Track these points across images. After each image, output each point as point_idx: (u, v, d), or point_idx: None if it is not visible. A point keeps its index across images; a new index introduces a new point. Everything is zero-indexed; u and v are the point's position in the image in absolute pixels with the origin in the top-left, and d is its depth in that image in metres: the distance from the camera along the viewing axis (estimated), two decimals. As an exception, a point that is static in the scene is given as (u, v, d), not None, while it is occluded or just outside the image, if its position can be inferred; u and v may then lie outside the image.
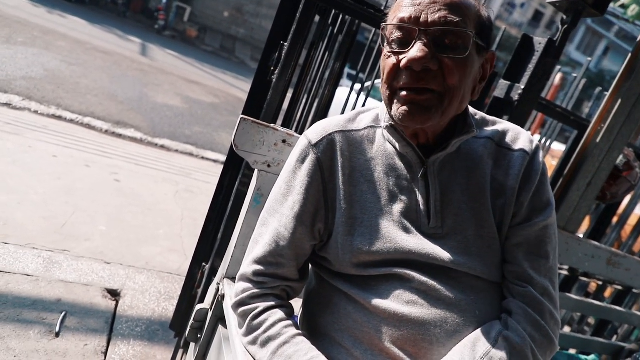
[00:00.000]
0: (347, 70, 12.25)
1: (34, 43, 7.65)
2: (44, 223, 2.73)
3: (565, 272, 2.61)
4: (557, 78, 6.92)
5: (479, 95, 0.95)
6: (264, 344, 0.94)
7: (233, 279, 1.25)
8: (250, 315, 0.98)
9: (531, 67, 1.54)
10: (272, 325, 0.95)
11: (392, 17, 0.89)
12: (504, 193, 0.97)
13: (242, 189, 1.53)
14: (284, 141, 1.25)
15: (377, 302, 0.91)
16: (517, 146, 1.00)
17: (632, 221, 3.10)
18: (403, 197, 0.96)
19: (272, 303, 0.99)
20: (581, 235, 2.51)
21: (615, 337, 2.94)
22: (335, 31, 1.65)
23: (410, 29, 0.85)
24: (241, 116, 1.23)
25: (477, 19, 0.89)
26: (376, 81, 1.89)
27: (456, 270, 0.92)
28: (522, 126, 1.61)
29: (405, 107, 0.87)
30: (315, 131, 1.01)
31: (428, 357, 0.88)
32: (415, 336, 0.88)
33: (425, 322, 0.88)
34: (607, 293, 3.13)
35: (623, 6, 4.54)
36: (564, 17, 1.48)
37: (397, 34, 0.87)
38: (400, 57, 0.86)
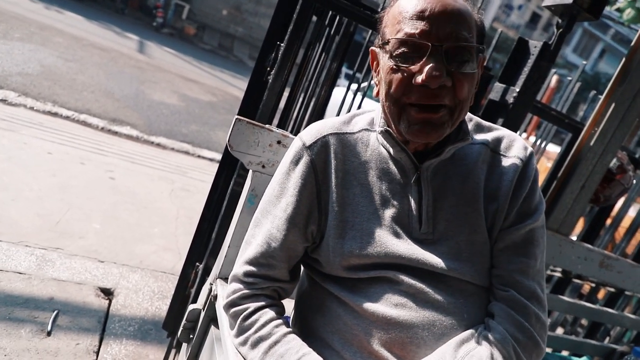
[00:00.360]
0: (345, 70, 12.25)
1: (31, 39, 7.61)
2: (38, 220, 2.72)
3: (558, 274, 2.62)
4: (553, 80, 6.95)
5: (473, 101, 0.95)
6: (255, 344, 0.94)
7: (226, 279, 1.25)
8: (242, 316, 0.98)
9: (526, 70, 1.55)
10: (263, 325, 0.95)
11: (395, 30, 0.86)
12: (496, 199, 0.97)
13: (236, 189, 1.53)
14: (278, 142, 1.25)
15: (366, 305, 0.91)
16: (511, 153, 1.00)
17: (625, 223, 3.11)
18: (395, 202, 0.96)
19: (263, 303, 0.99)
20: (575, 237, 2.52)
21: (607, 339, 2.96)
22: (332, 32, 1.65)
23: (422, 44, 0.83)
24: (236, 117, 1.23)
25: (476, 28, 0.89)
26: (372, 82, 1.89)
27: (446, 275, 0.92)
28: (517, 129, 1.61)
29: (418, 126, 0.87)
30: (310, 133, 1.01)
31: (416, 360, 0.88)
32: (403, 339, 0.88)
33: (413, 324, 0.88)
34: (601, 295, 3.14)
35: (619, 10, 4.56)
36: (559, 20, 1.48)
37: (404, 48, 0.85)
38: (411, 71, 0.84)
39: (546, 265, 1.76)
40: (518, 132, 2.10)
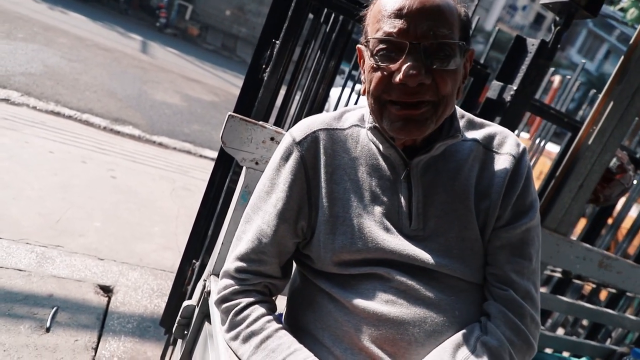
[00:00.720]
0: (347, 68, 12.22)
1: (35, 39, 7.65)
2: (39, 218, 2.73)
3: (558, 275, 2.61)
4: (556, 81, 6.92)
5: (462, 95, 0.95)
6: (247, 339, 0.94)
7: (219, 275, 1.25)
8: (233, 311, 0.98)
9: (524, 68, 1.54)
10: (255, 320, 0.95)
11: (375, 28, 0.87)
12: (488, 196, 0.96)
13: (232, 187, 1.53)
14: (272, 139, 1.25)
15: (357, 301, 0.91)
16: (503, 150, 1.00)
17: (626, 224, 3.09)
18: (385, 198, 0.95)
19: (254, 299, 0.99)
20: (575, 238, 2.51)
21: (609, 341, 2.94)
22: (328, 30, 1.65)
23: (400, 43, 0.83)
24: (229, 113, 1.23)
25: (459, 23, 0.88)
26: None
27: (437, 271, 0.92)
28: (515, 127, 1.61)
29: (400, 123, 0.86)
30: (300, 128, 1.00)
31: (406, 357, 0.88)
32: (393, 335, 0.88)
33: (403, 321, 0.88)
34: (603, 296, 3.13)
35: (622, 10, 4.54)
36: (557, 18, 1.48)
37: (383, 46, 0.85)
38: (390, 70, 0.84)
39: (544, 264, 1.75)
40: (516, 131, 2.09)
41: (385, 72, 0.85)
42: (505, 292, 0.93)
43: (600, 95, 1.64)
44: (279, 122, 1.80)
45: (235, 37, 20.26)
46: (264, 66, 1.53)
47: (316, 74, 1.77)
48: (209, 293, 1.24)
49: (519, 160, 0.99)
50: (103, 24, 12.64)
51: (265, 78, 1.50)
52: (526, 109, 1.59)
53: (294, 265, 1.11)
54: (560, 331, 3.11)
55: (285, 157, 0.99)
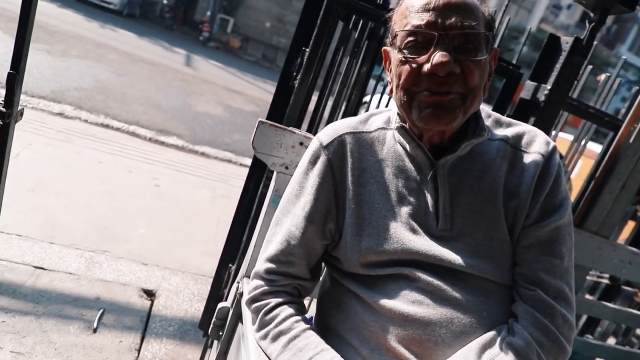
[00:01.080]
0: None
1: (87, 56, 8.08)
2: (88, 225, 2.88)
3: (606, 281, 2.50)
4: (601, 79, 6.64)
5: (488, 94, 0.94)
6: (275, 338, 0.97)
7: (250, 277, 1.29)
8: (263, 311, 1.01)
9: (558, 67, 1.50)
10: (283, 320, 0.98)
11: (403, 24, 0.89)
12: (517, 195, 0.95)
13: (265, 191, 1.57)
14: (301, 143, 1.28)
15: (384, 301, 0.92)
16: (532, 149, 0.98)
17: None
18: (412, 199, 0.96)
19: (284, 299, 1.01)
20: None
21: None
22: (357, 35, 1.67)
23: (429, 34, 0.85)
24: (259, 119, 1.27)
25: (484, 19, 0.89)
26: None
27: (464, 272, 0.91)
28: (550, 127, 1.57)
29: (429, 110, 0.87)
30: (327, 133, 1.03)
31: (433, 357, 0.88)
32: (420, 336, 0.88)
33: (430, 322, 0.88)
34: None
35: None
36: (591, 14, 1.44)
37: (411, 39, 0.87)
38: (419, 62, 0.86)
39: (585, 269, 1.69)
40: (554, 132, 2.03)
41: (414, 64, 0.87)
42: (534, 292, 0.91)
43: (643, 92, 1.58)
44: (312, 128, 1.83)
45: (275, 47, 20.63)
46: (294, 73, 1.56)
47: (347, 79, 1.79)
48: (241, 294, 1.27)
49: (549, 158, 0.97)
50: (149, 40, 13.18)
51: (296, 85, 1.54)
52: (561, 108, 1.55)
53: (324, 267, 1.13)
54: (611, 340, 2.96)
55: (313, 161, 1.01)
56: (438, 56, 0.83)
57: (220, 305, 1.39)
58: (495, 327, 0.90)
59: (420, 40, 0.86)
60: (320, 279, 1.16)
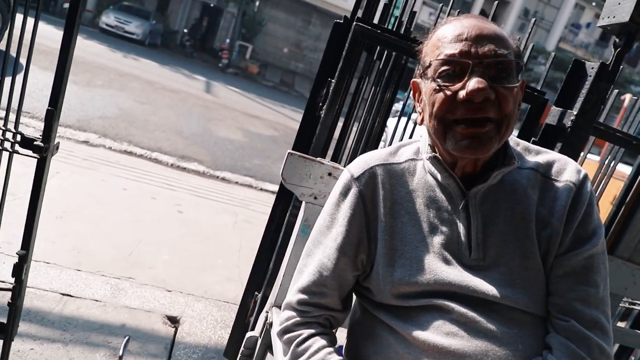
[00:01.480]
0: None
1: (111, 85, 8.32)
2: (113, 251, 2.92)
3: (639, 308, 2.42)
4: (627, 99, 6.56)
5: (519, 122, 0.95)
6: None
7: (281, 307, 1.29)
8: (295, 342, 1.01)
9: (584, 92, 1.50)
10: (316, 351, 0.97)
11: (435, 54, 0.91)
12: (550, 224, 0.95)
13: (292, 220, 1.58)
14: (329, 174, 1.30)
15: (417, 333, 0.91)
16: (563, 177, 0.98)
17: None
18: (444, 229, 0.96)
19: (316, 330, 1.01)
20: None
21: None
22: (381, 65, 1.70)
23: (463, 63, 0.87)
24: (288, 151, 1.29)
25: (513, 49, 0.91)
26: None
27: (499, 303, 0.90)
28: (578, 153, 1.56)
29: (466, 142, 0.88)
30: (357, 165, 1.04)
31: (469, 391, 0.86)
32: (455, 369, 0.87)
33: (465, 354, 0.87)
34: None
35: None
36: (617, 40, 1.44)
37: (445, 68, 0.89)
38: (453, 90, 0.87)
39: (618, 297, 1.65)
40: (582, 154, 2.01)
41: (448, 92, 0.88)
42: (567, 322, 0.90)
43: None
44: (337, 155, 1.85)
45: (293, 72, 20.99)
46: (320, 104, 1.59)
47: (371, 107, 1.82)
48: (271, 324, 1.27)
49: (580, 186, 0.97)
50: (170, 68, 13.53)
51: (322, 115, 1.56)
52: (589, 133, 1.54)
53: (354, 297, 1.13)
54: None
55: (344, 193, 1.02)
56: (474, 82, 0.84)
57: (248, 334, 1.39)
58: (530, 359, 0.89)
59: (455, 69, 0.88)
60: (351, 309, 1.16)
